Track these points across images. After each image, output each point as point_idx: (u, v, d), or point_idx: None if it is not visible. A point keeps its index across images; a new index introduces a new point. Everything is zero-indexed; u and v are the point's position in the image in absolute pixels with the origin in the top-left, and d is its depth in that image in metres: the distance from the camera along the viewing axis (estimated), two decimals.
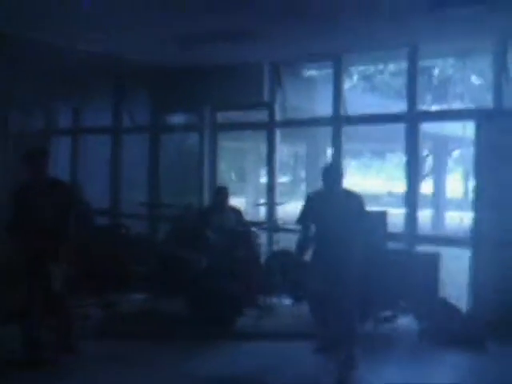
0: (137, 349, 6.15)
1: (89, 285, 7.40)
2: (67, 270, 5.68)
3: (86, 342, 6.15)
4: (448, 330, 6.43)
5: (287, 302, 7.67)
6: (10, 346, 5.83)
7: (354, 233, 5.75)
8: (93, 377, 5.38)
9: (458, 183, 23.44)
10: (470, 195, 7.30)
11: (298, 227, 6.15)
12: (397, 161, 26.24)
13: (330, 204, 5.86)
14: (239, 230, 7.80)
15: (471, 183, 7.34)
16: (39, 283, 5.59)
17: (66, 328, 5.89)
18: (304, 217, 6.06)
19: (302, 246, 6.09)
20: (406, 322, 7.15)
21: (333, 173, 6.03)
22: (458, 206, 19.51)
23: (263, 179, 13.41)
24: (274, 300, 7.57)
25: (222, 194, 7.94)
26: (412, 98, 7.78)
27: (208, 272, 7.21)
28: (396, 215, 8.41)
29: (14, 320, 5.95)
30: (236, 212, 8.04)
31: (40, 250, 5.52)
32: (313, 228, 6.04)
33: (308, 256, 6.09)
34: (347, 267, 5.67)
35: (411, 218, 7.81)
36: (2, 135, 9.97)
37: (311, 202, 6.12)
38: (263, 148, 9.45)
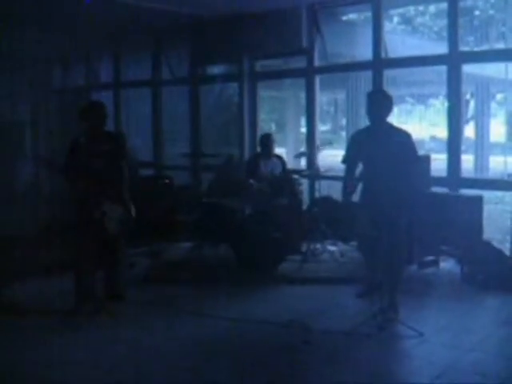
0: (184, 295, 6.33)
1: (135, 234, 7.59)
2: (122, 214, 5.89)
3: (135, 289, 6.38)
4: (491, 273, 6.41)
5: (330, 247, 7.75)
6: (62, 296, 6.04)
7: (403, 170, 5.49)
8: (144, 322, 5.55)
9: (501, 127, 22.94)
10: None
11: (344, 167, 5.91)
12: (439, 106, 25.81)
13: (377, 139, 5.57)
14: (282, 177, 7.88)
15: None
16: (94, 225, 5.74)
17: (116, 274, 6.06)
18: (349, 156, 5.84)
19: (348, 187, 5.82)
20: (448, 265, 7.18)
21: (378, 97, 5.75)
22: (502, 150, 19.17)
23: (303, 129, 13.36)
24: (318, 246, 7.65)
25: (268, 140, 8.05)
26: (453, 39, 7.63)
27: (252, 219, 7.31)
28: (439, 160, 8.35)
29: (67, 270, 6.15)
30: (280, 159, 8.17)
31: (95, 194, 5.71)
32: (360, 167, 5.84)
33: (356, 196, 5.92)
34: (397, 205, 5.42)
35: (454, 162, 7.74)
36: (45, 91, 10.15)
37: (356, 139, 5.91)
38: (303, 96, 9.40)
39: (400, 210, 5.49)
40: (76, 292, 5.86)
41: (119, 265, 6.12)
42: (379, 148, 5.52)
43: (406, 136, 5.70)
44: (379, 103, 5.65)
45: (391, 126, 5.75)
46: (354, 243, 7.51)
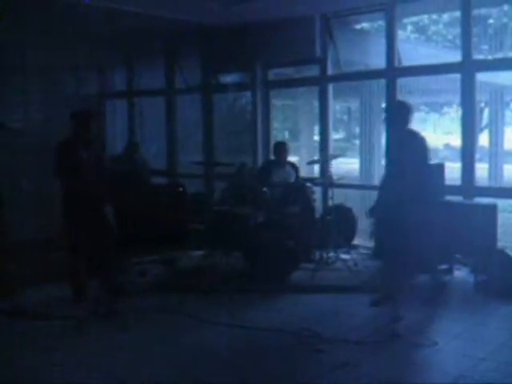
0: (195, 303, 6.31)
1: (149, 242, 7.62)
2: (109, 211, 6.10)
3: (147, 296, 6.42)
4: (505, 282, 6.37)
5: (343, 256, 7.72)
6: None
7: (416, 172, 5.71)
8: (154, 329, 5.58)
9: None
10: None
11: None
12: (453, 114, 25.72)
13: (397, 147, 5.86)
14: (295, 185, 7.88)
15: None
16: (107, 223, 6.00)
17: (112, 272, 6.28)
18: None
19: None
20: (462, 274, 7.14)
21: (396, 108, 6.03)
22: None
23: (317, 137, 13.35)
24: (330, 254, 7.63)
25: (281, 148, 8.07)
26: (467, 47, 7.61)
27: (264, 227, 7.30)
28: (454, 168, 8.31)
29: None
30: (294, 167, 8.18)
31: (101, 194, 5.98)
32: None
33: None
34: (412, 210, 5.64)
35: (469, 170, 7.70)
36: (57, 99, 10.22)
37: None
38: (316, 105, 9.41)
39: (415, 211, 5.66)
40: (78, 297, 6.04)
41: (113, 262, 6.33)
42: (399, 155, 5.80)
43: (419, 138, 5.94)
44: (396, 114, 5.90)
45: (409, 131, 5.97)
46: (367, 251, 7.49)
